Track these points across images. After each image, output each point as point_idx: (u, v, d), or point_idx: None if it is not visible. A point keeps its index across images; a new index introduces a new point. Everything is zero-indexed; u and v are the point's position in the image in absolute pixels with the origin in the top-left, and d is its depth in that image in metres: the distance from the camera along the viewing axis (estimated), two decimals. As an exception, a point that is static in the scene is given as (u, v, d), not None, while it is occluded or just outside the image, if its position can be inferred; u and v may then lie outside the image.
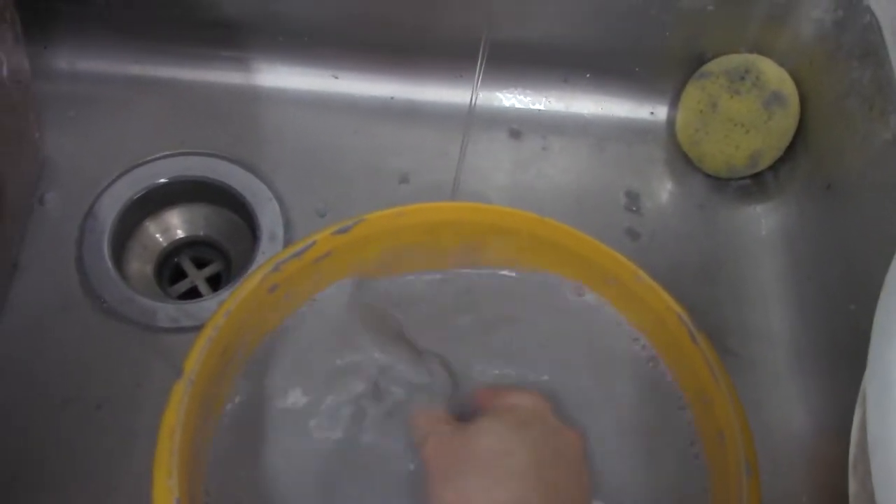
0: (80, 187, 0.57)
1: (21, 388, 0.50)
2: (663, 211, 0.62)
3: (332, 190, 0.60)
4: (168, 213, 0.60)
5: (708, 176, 0.64)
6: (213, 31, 0.62)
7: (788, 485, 0.52)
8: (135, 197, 0.57)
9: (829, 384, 0.54)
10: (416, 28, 0.62)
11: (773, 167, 0.63)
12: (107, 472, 0.48)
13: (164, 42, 0.62)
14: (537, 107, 0.66)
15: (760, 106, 0.60)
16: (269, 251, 0.56)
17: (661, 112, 0.66)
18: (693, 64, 0.64)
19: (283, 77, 0.63)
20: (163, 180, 0.58)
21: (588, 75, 0.65)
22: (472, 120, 0.61)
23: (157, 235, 0.59)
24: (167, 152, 0.59)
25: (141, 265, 0.58)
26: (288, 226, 0.58)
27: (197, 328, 0.42)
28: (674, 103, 0.65)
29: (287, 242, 0.57)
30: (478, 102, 0.64)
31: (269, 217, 0.58)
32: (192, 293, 0.59)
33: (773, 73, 0.60)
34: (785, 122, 0.60)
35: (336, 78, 0.64)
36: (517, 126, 0.65)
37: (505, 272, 0.50)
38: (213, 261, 0.60)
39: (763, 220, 0.62)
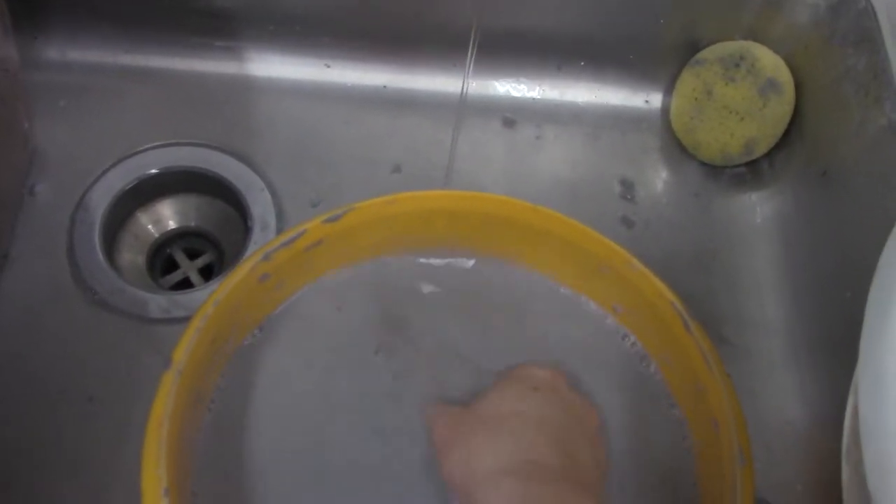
0: (70, 178, 0.57)
1: (12, 379, 0.50)
2: (658, 199, 0.62)
3: (324, 179, 0.59)
4: (160, 204, 0.59)
5: (703, 164, 0.64)
6: (205, 21, 0.61)
7: (783, 473, 0.52)
8: (126, 187, 0.57)
9: (824, 372, 0.54)
10: (409, 16, 0.62)
11: (769, 154, 0.62)
12: (99, 463, 0.48)
13: (156, 31, 0.62)
14: (531, 95, 0.65)
15: (755, 93, 0.60)
16: (261, 241, 0.56)
17: (655, 100, 0.66)
18: (688, 51, 0.63)
19: (275, 66, 0.63)
20: (154, 171, 0.58)
21: (582, 63, 0.65)
22: (466, 109, 0.61)
23: (149, 226, 0.59)
24: (159, 142, 0.59)
25: (133, 256, 0.58)
26: (280, 216, 0.57)
27: (189, 319, 0.42)
28: (668, 91, 0.65)
29: (279, 232, 0.56)
30: (471, 91, 0.64)
31: (261, 207, 0.57)
32: (185, 284, 0.59)
33: (768, 60, 0.60)
34: (780, 109, 0.60)
35: (328, 67, 0.64)
36: (511, 115, 0.64)
37: (493, 261, 0.49)
38: (206, 251, 0.60)
39: (758, 207, 0.62)
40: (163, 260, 0.60)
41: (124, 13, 0.61)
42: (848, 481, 0.32)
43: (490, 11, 0.60)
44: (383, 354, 0.46)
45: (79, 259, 0.54)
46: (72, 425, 0.49)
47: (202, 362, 0.41)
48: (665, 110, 0.65)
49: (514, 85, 0.65)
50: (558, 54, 0.64)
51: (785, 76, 0.60)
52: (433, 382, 0.46)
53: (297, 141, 0.61)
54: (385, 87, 0.64)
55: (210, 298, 0.42)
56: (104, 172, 0.57)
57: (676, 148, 0.64)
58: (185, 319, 0.52)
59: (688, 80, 0.63)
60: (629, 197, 0.62)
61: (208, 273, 0.59)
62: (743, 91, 0.60)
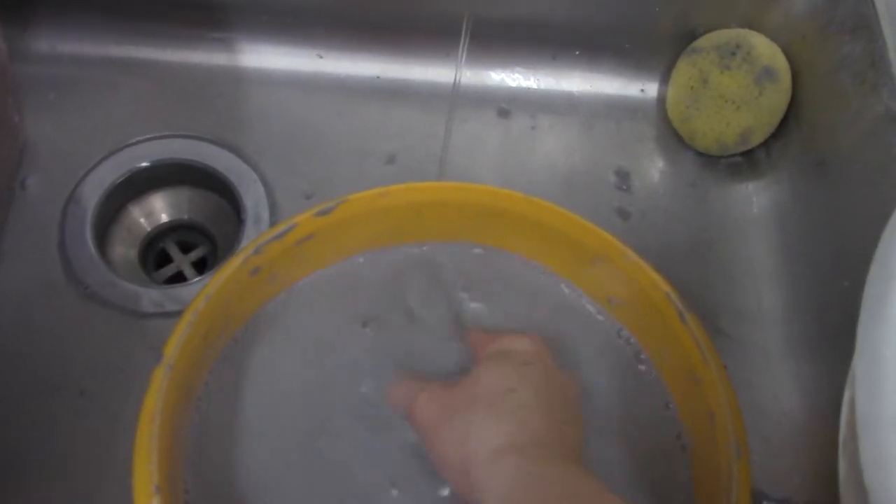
0: (61, 171, 0.56)
1: (3, 375, 0.50)
2: (654, 189, 0.62)
3: (317, 171, 0.59)
4: (152, 197, 0.59)
5: (699, 153, 0.63)
6: (196, 12, 0.61)
7: (780, 465, 0.52)
8: (118, 181, 0.57)
9: (821, 363, 0.54)
10: (402, 6, 0.61)
11: (765, 144, 0.62)
12: (91, 458, 0.48)
13: (147, 23, 0.61)
14: (526, 85, 0.65)
15: (752, 82, 0.59)
16: (254, 234, 0.55)
17: (651, 89, 0.65)
18: (684, 40, 0.63)
19: (267, 58, 0.63)
20: (146, 163, 0.57)
21: (577, 52, 0.64)
22: (460, 99, 0.60)
23: (141, 220, 0.58)
24: (150, 135, 0.58)
25: (125, 250, 0.57)
26: (273, 208, 0.57)
27: (181, 312, 0.41)
28: (664, 80, 0.65)
29: (272, 225, 0.56)
30: (466, 81, 0.63)
31: (254, 200, 0.57)
32: (178, 278, 0.58)
33: (765, 49, 0.60)
34: (776, 97, 0.59)
35: (321, 58, 0.63)
36: (506, 105, 0.64)
37: (488, 252, 0.49)
38: (199, 245, 0.60)
39: (755, 197, 0.62)
40: (156, 253, 0.59)
41: (114, 4, 0.60)
42: (845, 474, 0.32)
43: (484, 0, 0.59)
44: (377, 348, 0.45)
45: (70, 253, 0.54)
46: (63, 420, 0.49)
47: (194, 357, 0.41)
48: (661, 99, 0.65)
49: (508, 75, 0.65)
50: (553, 43, 0.64)
51: (781, 64, 0.59)
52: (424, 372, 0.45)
53: (290, 132, 0.60)
54: (378, 77, 0.63)
55: (201, 293, 0.41)
56: (95, 166, 0.57)
57: (672, 137, 0.64)
58: (178, 313, 0.51)
59: (683, 69, 0.62)
60: (625, 187, 0.61)
61: (202, 266, 0.59)
62: (739, 80, 0.60)
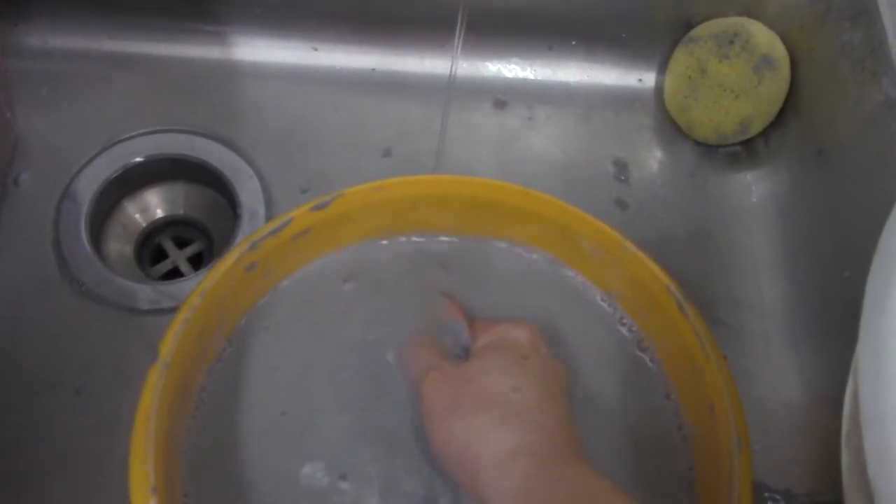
0: (55, 167, 0.56)
1: (-1, 373, 0.49)
2: (652, 180, 0.61)
3: (313, 165, 0.58)
4: (147, 193, 0.58)
5: (697, 143, 0.63)
6: (189, 5, 0.60)
7: (781, 456, 0.51)
8: (112, 176, 0.56)
9: (822, 353, 0.54)
10: (397, -3, 0.61)
11: (764, 133, 0.61)
12: (88, 457, 0.48)
13: (139, 17, 0.61)
14: (522, 76, 0.64)
15: (750, 70, 0.59)
16: (249, 229, 0.55)
17: (648, 79, 0.65)
18: (681, 29, 0.62)
19: (261, 51, 0.62)
20: (140, 159, 0.57)
21: (574, 42, 0.64)
22: (455, 91, 0.60)
23: (136, 215, 0.58)
24: (144, 130, 0.58)
25: (120, 246, 0.57)
26: (269, 203, 0.56)
27: (177, 309, 0.41)
28: (662, 69, 0.64)
29: (269, 220, 0.56)
30: (462, 72, 0.63)
31: (249, 194, 0.56)
32: (174, 273, 0.58)
33: (763, 37, 0.59)
34: (775, 86, 0.59)
35: (316, 50, 0.63)
36: (502, 96, 0.63)
37: (486, 242, 0.49)
38: (195, 240, 0.59)
39: (754, 187, 0.61)
40: (151, 249, 0.59)
41: (106, -2, 0.60)
42: (848, 467, 0.31)
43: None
44: (375, 342, 0.45)
45: (65, 250, 0.53)
46: (59, 419, 0.48)
47: (190, 355, 0.40)
48: (658, 89, 0.64)
49: (504, 65, 0.64)
50: (549, 34, 0.63)
51: (780, 53, 0.59)
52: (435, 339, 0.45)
53: (285, 126, 0.60)
54: (374, 70, 0.63)
55: (196, 289, 0.41)
56: (89, 161, 0.56)
57: (670, 127, 0.63)
58: (174, 310, 0.51)
59: (681, 59, 0.62)
60: (623, 178, 0.61)
61: (198, 262, 0.59)
62: (737, 68, 0.59)
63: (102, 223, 0.57)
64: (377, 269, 0.48)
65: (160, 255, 0.59)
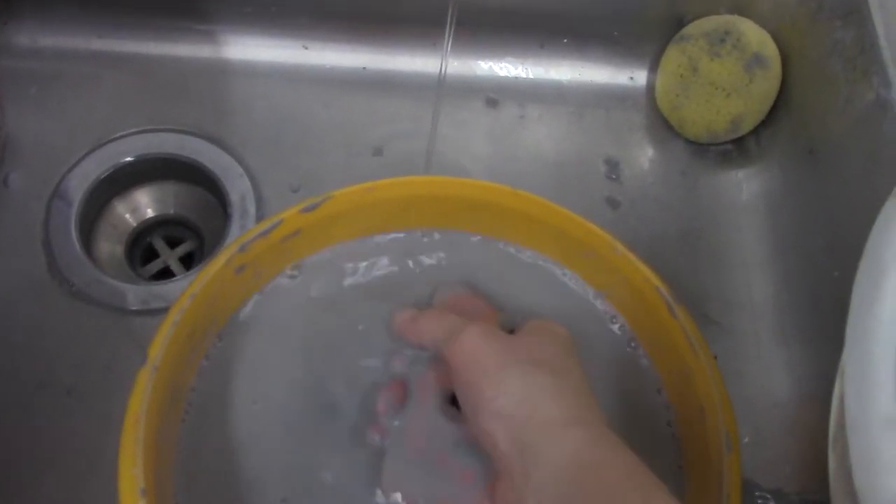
0: (45, 167, 0.56)
1: (-12, 374, 0.49)
2: (643, 178, 0.61)
3: (304, 164, 0.58)
4: (137, 192, 0.58)
5: (689, 141, 0.63)
6: (179, 3, 0.60)
7: (771, 455, 0.52)
8: (102, 176, 0.56)
9: (811, 352, 0.54)
10: (388, -5, 0.61)
11: (755, 131, 0.61)
12: (79, 457, 0.48)
13: (129, 16, 0.61)
14: (514, 74, 0.64)
15: (741, 69, 0.59)
16: (241, 228, 0.55)
17: (640, 77, 0.65)
18: (672, 27, 0.62)
19: (251, 49, 0.62)
20: (130, 158, 0.57)
21: (565, 41, 0.64)
22: (447, 89, 0.60)
23: (127, 215, 0.58)
24: (134, 129, 0.58)
25: (111, 246, 0.57)
26: (260, 202, 0.56)
27: (167, 309, 0.41)
28: (653, 68, 0.64)
29: (259, 219, 0.56)
30: (453, 71, 0.63)
31: (240, 194, 0.56)
32: (166, 273, 0.58)
33: (754, 35, 0.59)
34: (766, 84, 0.59)
35: (306, 49, 0.62)
36: (494, 94, 0.63)
37: (478, 239, 0.49)
38: (186, 239, 0.59)
39: (745, 185, 0.61)
40: (142, 249, 0.59)
41: (96, -3, 0.59)
42: (834, 471, 0.32)
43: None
44: (367, 341, 0.45)
45: (55, 250, 0.53)
46: (50, 419, 0.48)
47: (179, 357, 0.40)
48: (650, 87, 0.64)
49: (496, 64, 0.64)
50: (541, 32, 0.63)
51: (771, 51, 0.59)
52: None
53: (276, 125, 0.60)
54: (364, 68, 0.63)
55: (186, 292, 0.41)
56: (79, 161, 0.56)
57: (662, 126, 0.63)
58: (165, 310, 0.51)
59: (673, 57, 0.62)
60: (614, 176, 0.61)
61: (189, 261, 0.58)
62: (729, 67, 0.59)
63: (93, 223, 0.57)
64: (369, 269, 0.48)
65: (151, 254, 0.59)
